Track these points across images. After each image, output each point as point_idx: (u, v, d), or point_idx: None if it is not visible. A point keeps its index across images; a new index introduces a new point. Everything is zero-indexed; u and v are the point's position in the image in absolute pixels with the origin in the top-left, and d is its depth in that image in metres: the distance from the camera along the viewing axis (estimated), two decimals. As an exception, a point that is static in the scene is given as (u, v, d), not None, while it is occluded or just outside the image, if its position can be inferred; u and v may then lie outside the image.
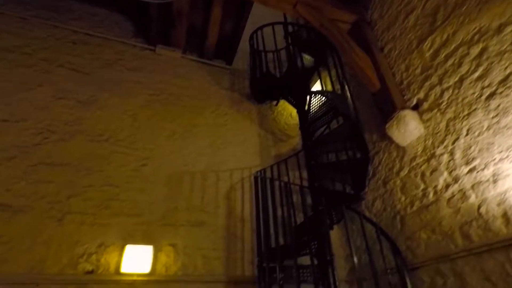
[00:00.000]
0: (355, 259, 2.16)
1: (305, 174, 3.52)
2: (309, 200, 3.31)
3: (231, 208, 3.24)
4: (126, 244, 2.70)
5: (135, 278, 2.58)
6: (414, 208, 2.58)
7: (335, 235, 3.33)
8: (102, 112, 3.33)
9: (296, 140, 4.00)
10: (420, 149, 2.61)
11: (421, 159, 2.59)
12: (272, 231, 2.84)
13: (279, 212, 2.96)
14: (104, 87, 3.50)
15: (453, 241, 2.22)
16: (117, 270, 2.59)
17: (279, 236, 2.78)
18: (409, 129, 2.63)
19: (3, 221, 2.51)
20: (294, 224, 2.73)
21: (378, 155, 3.06)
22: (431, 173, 2.48)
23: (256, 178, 2.96)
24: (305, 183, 3.37)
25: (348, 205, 2.43)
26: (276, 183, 3.06)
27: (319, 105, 3.07)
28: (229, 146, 3.65)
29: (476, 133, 2.18)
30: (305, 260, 2.86)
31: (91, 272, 2.53)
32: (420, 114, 2.66)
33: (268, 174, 3.20)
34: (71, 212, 2.71)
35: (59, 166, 2.88)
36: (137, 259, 2.66)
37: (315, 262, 2.48)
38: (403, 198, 2.71)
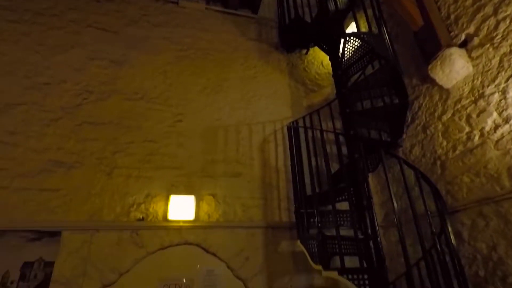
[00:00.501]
0: (395, 203, 2.16)
1: (338, 125, 3.48)
2: (344, 150, 3.31)
3: (265, 160, 3.31)
4: (170, 194, 2.89)
5: (181, 224, 2.80)
6: (457, 152, 2.49)
7: (370, 183, 3.34)
8: (134, 70, 3.37)
9: (327, 90, 3.87)
10: (466, 90, 2.44)
11: (467, 101, 2.43)
12: (307, 180, 2.90)
13: (313, 163, 2.99)
14: (133, 45, 3.50)
15: (499, 184, 2.15)
16: (165, 218, 2.81)
17: (314, 185, 2.84)
18: (455, 68, 2.44)
19: (60, 176, 2.75)
20: (330, 172, 2.75)
21: (418, 100, 2.91)
22: (478, 114, 2.33)
23: (289, 127, 2.95)
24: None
25: (386, 150, 2.38)
26: (309, 133, 3.05)
27: (354, 49, 2.89)
28: (260, 99, 3.62)
29: (536, 67, 1.98)
30: (341, 206, 2.94)
31: (141, 219, 2.78)
32: (469, 52, 2.43)
33: (301, 125, 3.19)
34: (118, 167, 2.90)
35: (101, 125, 3.03)
36: (181, 207, 2.86)
37: (353, 207, 2.53)
38: (444, 143, 2.61)
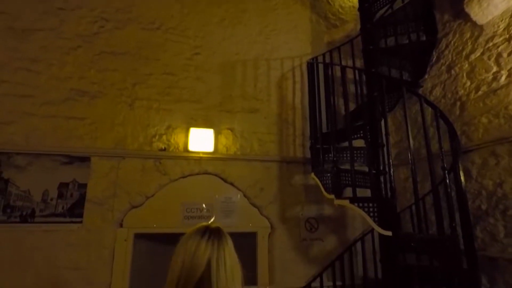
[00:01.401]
0: (411, 139, 2.22)
1: (358, 64, 3.39)
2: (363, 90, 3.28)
3: (282, 97, 3.32)
4: (190, 127, 2.99)
5: (201, 155, 2.95)
6: (479, 93, 2.46)
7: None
8: (149, -3, 3.22)
9: (350, 26, 3.68)
10: (502, 26, 2.31)
11: (501, 39, 2.32)
12: (323, 119, 2.94)
13: (331, 101, 3.00)
14: (146, -31, 3.28)
15: (517, 124, 2.18)
16: (185, 149, 2.95)
17: (331, 123, 2.89)
18: (493, 2, 2.28)
19: (84, 106, 2.83)
20: (348, 109, 2.77)
21: (447, 38, 2.78)
22: (510, 53, 2.25)
23: (309, 63, 2.90)
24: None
25: (408, 88, 2.36)
26: (329, 71, 2.99)
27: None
28: (279, 33, 3.49)
29: None
30: (355, 144, 3.02)
31: (163, 149, 2.92)
32: (513, -18, 2.25)
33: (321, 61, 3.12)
34: (139, 98, 2.96)
35: (120, 55, 3.01)
36: (201, 140, 2.98)
37: (368, 144, 2.61)
38: (468, 83, 2.57)
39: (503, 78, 2.29)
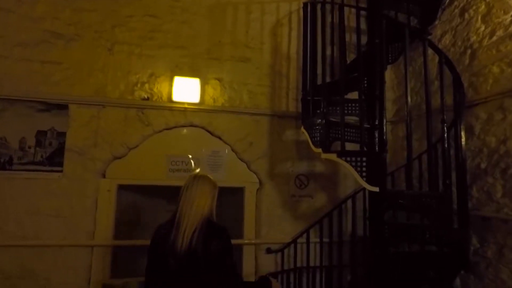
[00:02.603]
0: (409, 91, 1.99)
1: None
2: (364, 41, 2.99)
3: (277, 45, 3.05)
4: (175, 75, 2.79)
5: (186, 106, 2.78)
6: (494, 38, 2.18)
7: (387, 77, 3.12)
8: None
9: (356, -34, 3.26)
10: (530, -44, 1.97)
11: (526, -28, 1.99)
12: (319, 71, 2.69)
13: (328, 52, 2.73)
14: None
15: (532, 73, 1.93)
16: (170, 99, 2.78)
17: (326, 76, 2.65)
18: None
19: (60, 49, 2.63)
20: (344, 58, 2.52)
21: (464, -25, 2.43)
22: (535, -11, 1.94)
23: (306, 3, 2.58)
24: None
25: (411, 30, 2.09)
26: (328, 18, 2.66)
27: None
28: (275, -28, 3.12)
29: None
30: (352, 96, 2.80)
31: (146, 99, 2.76)
32: None
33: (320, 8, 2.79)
34: (119, 42, 2.74)
35: (97, -6, 2.73)
36: (186, 90, 2.80)
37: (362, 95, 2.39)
38: (482, 28, 2.27)
39: (523, 19, 2.00)
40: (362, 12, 2.99)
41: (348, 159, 2.06)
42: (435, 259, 1.95)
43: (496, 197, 2.11)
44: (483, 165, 2.22)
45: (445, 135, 1.93)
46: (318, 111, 2.58)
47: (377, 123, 2.49)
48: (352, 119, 2.62)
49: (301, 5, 3.07)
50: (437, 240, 2.00)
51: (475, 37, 2.32)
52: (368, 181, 1.94)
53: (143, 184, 2.78)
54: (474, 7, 2.33)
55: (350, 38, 3.12)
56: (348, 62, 2.89)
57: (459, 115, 2.18)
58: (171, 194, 3.24)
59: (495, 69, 2.16)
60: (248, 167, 2.90)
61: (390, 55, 2.81)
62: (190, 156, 2.85)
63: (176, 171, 2.80)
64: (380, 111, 2.01)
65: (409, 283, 1.99)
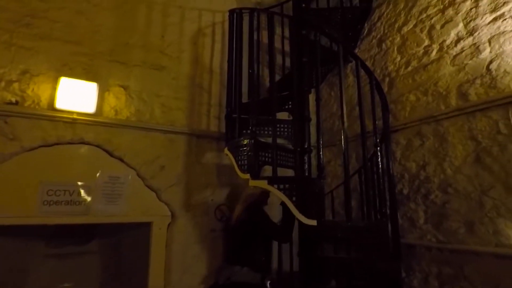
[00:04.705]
0: (344, 117, 1.84)
1: (287, 33, 2.98)
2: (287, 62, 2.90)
3: (198, 55, 2.69)
4: (61, 76, 2.12)
5: (75, 116, 2.12)
6: (409, 68, 2.29)
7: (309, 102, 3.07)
8: None
9: (281, -10, 3.25)
10: (437, -4, 2.15)
11: (435, 10, 2.16)
12: (244, 90, 2.42)
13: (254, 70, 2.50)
14: None
15: (445, 102, 2.03)
16: (51, 105, 2.08)
17: (253, 92, 2.40)
18: (432, -33, 2.10)
19: None
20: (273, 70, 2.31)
21: (380, 9, 2.57)
22: (443, 25, 2.10)
23: (232, 11, 2.32)
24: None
25: (346, 48, 2.01)
26: (254, 20, 2.44)
27: None
28: (200, -22, 2.83)
29: (521, -31, 1.74)
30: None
31: (14, 103, 2.00)
32: (452, -51, 2.09)
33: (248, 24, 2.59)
34: (-25, 22, 1.96)
35: None
36: (77, 96, 2.15)
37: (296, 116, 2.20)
38: (398, 58, 2.38)
39: (434, 52, 2.13)
40: (286, 34, 2.96)
41: (281, 186, 1.76)
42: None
43: (419, 223, 2.10)
44: (405, 191, 2.22)
45: (379, 159, 1.83)
46: (245, 131, 2.28)
47: (307, 145, 2.34)
48: (280, 141, 2.40)
49: (226, 17, 2.83)
50: (370, 274, 1.83)
51: (392, 66, 2.41)
52: (303, 212, 1.66)
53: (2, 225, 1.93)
54: (390, 38, 2.46)
55: (276, 58, 2.99)
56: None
57: (388, 138, 2.15)
58: (53, 232, 2.46)
59: (412, 97, 2.24)
60: (158, 197, 2.35)
61: (314, 79, 2.76)
62: (79, 183, 2.15)
63: (54, 204, 2.06)
64: (317, 133, 1.80)
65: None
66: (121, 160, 2.27)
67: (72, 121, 2.12)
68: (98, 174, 2.21)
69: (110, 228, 2.48)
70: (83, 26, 2.27)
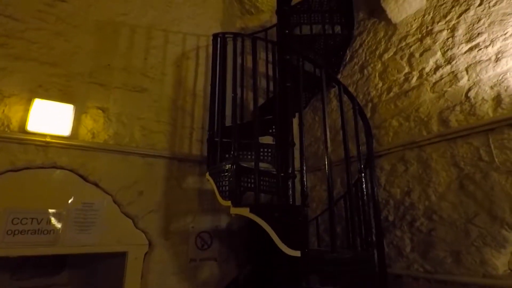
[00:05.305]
0: (328, 142, 1.83)
1: (271, 58, 3.01)
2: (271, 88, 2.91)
3: (181, 78, 2.66)
4: (35, 97, 2.04)
5: (48, 139, 2.02)
6: (391, 94, 2.31)
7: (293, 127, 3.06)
8: None
9: (265, 17, 3.33)
10: (415, 26, 2.22)
11: (413, 38, 2.22)
12: (228, 113, 2.39)
13: (237, 93, 2.49)
14: None
15: (426, 128, 2.04)
16: (23, 128, 1.98)
17: (236, 116, 2.37)
18: (409, -1, 2.17)
19: None
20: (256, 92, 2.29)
21: (361, 37, 2.63)
22: (422, 54, 2.15)
23: (216, 35, 2.32)
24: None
25: (328, 74, 2.01)
26: (238, 60, 2.45)
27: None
28: (184, 4, 2.85)
29: (493, 2, 1.81)
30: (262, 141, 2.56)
31: (-18, 125, 1.89)
32: (426, -17, 2.18)
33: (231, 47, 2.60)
34: None
35: None
36: (51, 118, 2.06)
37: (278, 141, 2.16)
38: (380, 84, 2.41)
39: (414, 79, 2.17)
40: (270, 59, 2.99)
41: (264, 215, 1.68)
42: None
43: (406, 252, 2.04)
44: (390, 218, 2.17)
45: (364, 186, 1.79)
46: (228, 156, 2.21)
47: (290, 171, 2.28)
48: (264, 166, 2.34)
49: (209, 42, 2.85)
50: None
51: (374, 92, 2.44)
52: (286, 242, 1.58)
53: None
54: (372, 65, 2.50)
55: (260, 82, 3.00)
56: (258, 105, 2.71)
57: (372, 163, 2.13)
58: (19, 263, 2.27)
59: (395, 123, 2.25)
60: (135, 224, 2.22)
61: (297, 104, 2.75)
62: (49, 211, 2.01)
63: (20, 234, 1.90)
64: (301, 158, 1.75)
65: None
66: (96, 185, 2.15)
67: (45, 145, 2.01)
68: (70, 201, 2.08)
69: (82, 258, 2.33)
70: (62, 47, 2.22)
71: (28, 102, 2.02)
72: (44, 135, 2.02)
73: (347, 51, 2.71)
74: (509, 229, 1.60)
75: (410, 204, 2.06)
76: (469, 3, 1.91)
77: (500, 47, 1.75)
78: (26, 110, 2.00)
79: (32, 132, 1.99)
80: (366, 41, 2.58)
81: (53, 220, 2.01)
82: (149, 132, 2.41)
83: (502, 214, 1.62)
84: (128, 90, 2.40)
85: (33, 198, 1.98)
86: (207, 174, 2.12)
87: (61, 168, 2.07)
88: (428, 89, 2.08)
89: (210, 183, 2.07)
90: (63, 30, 2.25)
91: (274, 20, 2.78)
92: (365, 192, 1.81)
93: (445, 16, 2.04)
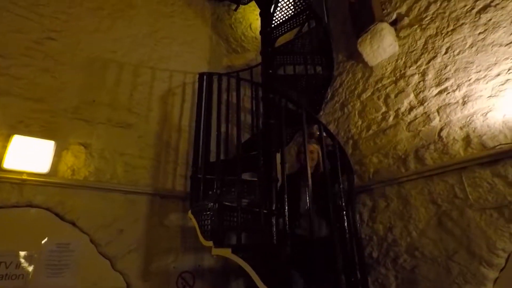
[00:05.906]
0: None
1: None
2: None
3: (167, 114, 2.69)
4: (14, 134, 2.00)
5: (25, 177, 1.96)
6: (370, 132, 2.41)
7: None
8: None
9: (251, 55, 3.49)
10: (389, 69, 2.38)
11: (388, 80, 2.37)
12: (213, 148, 2.42)
13: (223, 129, 2.54)
14: None
15: (404, 165, 2.12)
16: (-1, 165, 1.92)
17: (220, 153, 2.39)
18: (383, 45, 2.35)
19: None
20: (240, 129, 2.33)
21: (341, 77, 2.78)
22: (397, 95, 2.28)
23: (202, 74, 2.40)
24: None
25: (308, 112, 2.09)
26: (224, 96, 2.55)
27: (289, 4, 2.56)
28: (172, 42, 2.96)
29: (457, 51, 1.98)
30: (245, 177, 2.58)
31: (-44, 162, 1.83)
32: (398, 31, 2.38)
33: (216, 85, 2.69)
34: None
35: None
36: (30, 155, 2.02)
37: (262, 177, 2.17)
38: (359, 122, 2.52)
39: (391, 118, 2.28)
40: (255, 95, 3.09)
41: (246, 255, 1.65)
42: None
43: (391, 290, 2.02)
44: (374, 254, 2.17)
45: (345, 224, 1.80)
46: (211, 193, 2.20)
47: (274, 207, 2.28)
48: (245, 202, 2.33)
49: (196, 78, 2.93)
50: None
51: (354, 129, 2.54)
52: (268, 284, 1.54)
53: None
54: (351, 103, 2.62)
55: (245, 118, 3.07)
56: (243, 141, 2.75)
57: (353, 199, 2.16)
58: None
59: (374, 159, 2.33)
60: (113, 266, 2.12)
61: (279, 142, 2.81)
62: (20, 253, 1.90)
63: (-15, 279, 1.78)
64: (282, 195, 1.77)
65: None
66: (74, 224, 2.07)
67: (21, 182, 1.95)
68: (44, 241, 1.98)
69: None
70: (48, 83, 2.23)
71: (7, 138, 1.98)
72: (21, 172, 1.96)
73: (328, 90, 2.84)
74: (487, 266, 1.63)
75: (393, 241, 2.08)
76: (436, 51, 2.08)
77: (466, 91, 1.89)
78: (4, 147, 1.95)
79: (8, 170, 1.93)
80: (345, 81, 2.72)
81: (23, 263, 1.90)
82: (132, 168, 2.38)
83: (479, 251, 1.65)
84: (113, 125, 2.40)
85: (3, 239, 1.87)
86: (190, 212, 2.09)
87: (37, 206, 1.99)
88: (404, 128, 2.18)
89: (193, 222, 2.03)
90: (51, 67, 2.27)
91: (259, 58, 2.91)
92: (347, 230, 1.81)
93: (416, 62, 2.21)
